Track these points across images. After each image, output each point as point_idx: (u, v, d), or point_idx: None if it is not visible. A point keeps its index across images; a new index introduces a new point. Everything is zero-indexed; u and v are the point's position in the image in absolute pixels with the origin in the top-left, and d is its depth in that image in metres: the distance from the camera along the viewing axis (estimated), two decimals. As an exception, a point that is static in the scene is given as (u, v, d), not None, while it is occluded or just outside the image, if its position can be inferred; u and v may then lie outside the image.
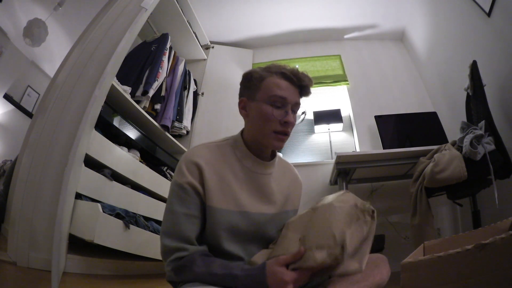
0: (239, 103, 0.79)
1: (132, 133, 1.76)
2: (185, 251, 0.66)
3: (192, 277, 0.64)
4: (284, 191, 0.82)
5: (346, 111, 2.87)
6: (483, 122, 1.50)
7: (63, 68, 1.70)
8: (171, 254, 0.67)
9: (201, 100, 2.75)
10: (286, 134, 0.75)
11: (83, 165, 1.27)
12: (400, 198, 2.20)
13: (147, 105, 1.97)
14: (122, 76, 1.82)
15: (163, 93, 2.09)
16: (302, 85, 0.74)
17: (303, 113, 0.81)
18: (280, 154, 2.95)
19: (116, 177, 1.49)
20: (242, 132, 0.81)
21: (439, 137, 2.25)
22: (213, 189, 0.71)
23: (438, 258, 0.49)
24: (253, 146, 0.78)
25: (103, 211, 1.24)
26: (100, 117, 1.39)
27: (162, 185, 1.86)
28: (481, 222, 1.61)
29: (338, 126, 2.68)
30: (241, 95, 0.80)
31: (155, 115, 2.08)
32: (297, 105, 0.75)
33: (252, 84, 0.76)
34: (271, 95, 0.72)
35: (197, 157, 0.72)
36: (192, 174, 0.70)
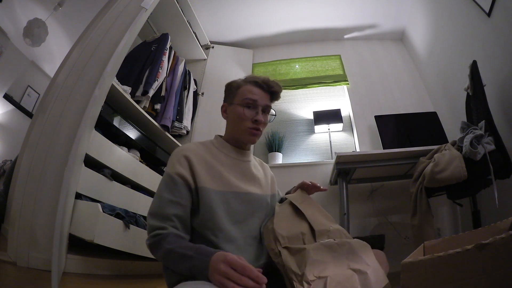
0: (221, 108, 0.94)
1: (132, 133, 1.76)
2: (165, 230, 0.71)
3: (160, 253, 0.69)
4: (262, 178, 0.93)
5: (346, 111, 2.87)
6: (483, 122, 1.50)
7: (63, 68, 1.70)
8: (153, 231, 0.71)
9: (201, 100, 2.75)
10: (258, 130, 0.87)
11: (83, 165, 1.27)
12: (400, 198, 2.20)
13: (147, 105, 1.97)
14: (122, 76, 1.82)
15: (163, 93, 2.09)
16: (272, 91, 0.89)
17: (273, 114, 0.93)
18: (280, 155, 2.90)
19: (116, 177, 1.49)
20: (219, 136, 0.94)
21: (439, 137, 2.25)
22: (204, 175, 0.78)
23: (438, 258, 0.49)
24: (231, 143, 0.90)
25: (103, 211, 1.24)
26: (100, 117, 1.39)
27: (162, 185, 1.86)
28: (481, 222, 1.61)
29: (338, 126, 2.68)
30: (224, 101, 0.94)
31: (155, 115, 2.08)
32: (267, 107, 0.89)
33: (231, 92, 0.91)
34: (244, 98, 0.86)
35: (185, 150, 0.81)
36: (181, 165, 0.78)
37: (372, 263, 0.65)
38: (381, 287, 0.63)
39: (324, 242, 0.67)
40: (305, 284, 0.57)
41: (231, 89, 0.91)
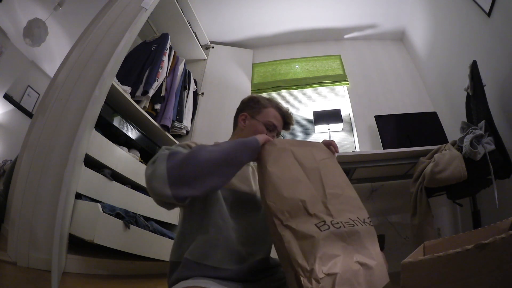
0: (241, 116, 0.99)
1: (132, 133, 1.76)
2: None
3: (202, 155, 0.65)
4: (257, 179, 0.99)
5: (346, 111, 2.87)
6: (483, 122, 1.50)
7: (63, 68, 1.70)
8: (170, 152, 0.67)
9: (201, 100, 2.75)
10: None
11: (83, 165, 1.27)
12: (400, 198, 2.20)
13: (147, 105, 1.97)
14: (122, 76, 1.82)
15: (163, 93, 2.09)
16: (287, 122, 1.01)
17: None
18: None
19: (116, 177, 1.49)
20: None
21: (439, 137, 2.25)
22: None
23: (438, 258, 0.48)
24: None
25: (103, 211, 1.24)
26: (100, 117, 1.39)
27: (162, 185, 1.86)
28: (481, 222, 1.61)
29: (338, 126, 2.68)
30: (242, 110, 1.01)
31: (155, 115, 2.08)
32: (279, 133, 1.00)
33: (256, 107, 0.99)
34: (269, 121, 0.96)
35: (188, 143, 0.84)
36: (188, 145, 0.81)
37: (377, 257, 0.64)
38: (383, 285, 0.62)
39: (334, 231, 0.61)
40: (314, 282, 0.54)
41: (258, 104, 0.99)
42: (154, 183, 0.61)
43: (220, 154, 0.67)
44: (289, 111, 1.02)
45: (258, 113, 0.98)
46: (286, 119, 1.01)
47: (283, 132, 1.04)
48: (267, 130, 0.95)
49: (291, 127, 1.05)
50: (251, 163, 0.99)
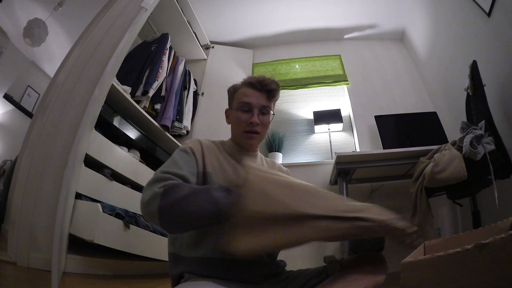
0: (225, 113, 0.94)
1: (132, 133, 1.76)
2: (176, 181, 0.65)
3: (179, 195, 0.61)
4: None
5: (346, 111, 2.87)
6: (483, 122, 1.50)
7: (63, 68, 1.70)
8: (162, 181, 0.64)
9: (201, 100, 2.75)
10: (256, 133, 0.85)
11: (83, 165, 1.27)
12: (400, 198, 2.20)
13: (147, 105, 1.97)
14: (122, 76, 1.82)
15: (163, 93, 2.09)
16: (267, 89, 0.85)
17: (271, 114, 0.89)
18: (280, 155, 2.89)
19: (116, 177, 1.49)
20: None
21: (439, 137, 2.25)
22: (211, 163, 0.81)
23: (438, 257, 0.49)
24: (237, 145, 0.91)
25: (103, 211, 1.24)
26: (100, 117, 1.39)
27: (162, 185, 1.86)
28: (481, 222, 1.61)
29: (338, 126, 2.69)
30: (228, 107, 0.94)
31: (155, 115, 2.08)
32: (264, 107, 0.86)
33: (230, 96, 0.92)
34: (239, 102, 0.85)
35: (200, 139, 0.86)
36: (195, 146, 0.82)
37: None
38: None
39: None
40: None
41: (231, 93, 0.91)
42: (147, 217, 0.64)
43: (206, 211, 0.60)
44: (264, 77, 0.86)
45: (232, 101, 0.89)
46: (262, 87, 0.84)
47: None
48: (242, 112, 0.84)
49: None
50: (258, 160, 0.93)
